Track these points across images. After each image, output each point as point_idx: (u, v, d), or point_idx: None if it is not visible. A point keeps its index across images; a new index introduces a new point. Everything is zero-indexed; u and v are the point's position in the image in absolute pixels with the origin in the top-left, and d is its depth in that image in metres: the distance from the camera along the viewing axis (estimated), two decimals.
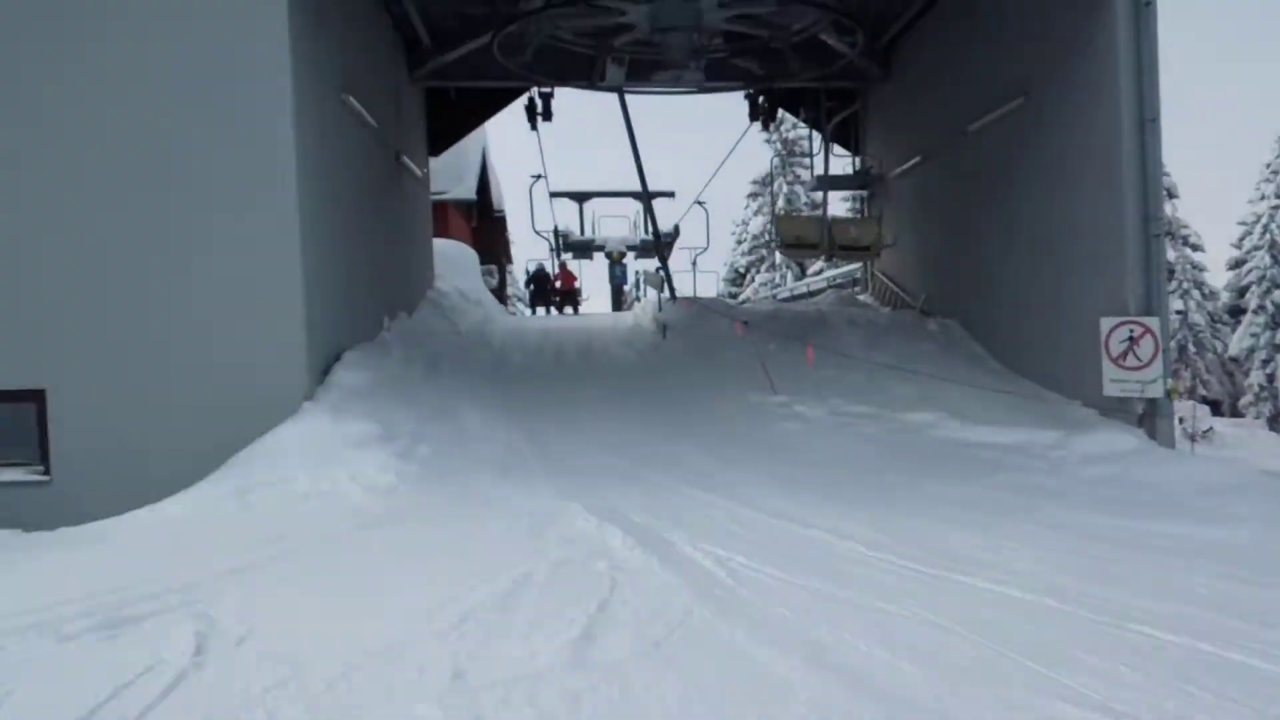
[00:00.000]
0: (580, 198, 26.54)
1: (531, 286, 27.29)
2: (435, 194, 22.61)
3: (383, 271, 14.54)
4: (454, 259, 22.92)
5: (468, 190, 28.36)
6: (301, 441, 8.57)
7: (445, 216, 27.00)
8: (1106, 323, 10.52)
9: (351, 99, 12.35)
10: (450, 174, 26.45)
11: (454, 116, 20.83)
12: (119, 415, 9.40)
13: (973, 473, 9.41)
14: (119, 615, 4.84)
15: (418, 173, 18.34)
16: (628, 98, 19.42)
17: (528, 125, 20.36)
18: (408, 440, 9.16)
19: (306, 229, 9.87)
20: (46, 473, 9.30)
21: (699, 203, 24.91)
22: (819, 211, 22.56)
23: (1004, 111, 13.49)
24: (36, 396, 9.39)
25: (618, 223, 27.67)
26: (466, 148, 25.93)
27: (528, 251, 56.87)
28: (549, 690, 4.08)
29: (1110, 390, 10.39)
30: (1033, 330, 13.06)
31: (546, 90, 19.46)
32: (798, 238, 19.87)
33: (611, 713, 3.91)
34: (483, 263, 27.27)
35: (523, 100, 20.17)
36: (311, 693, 4.05)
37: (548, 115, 19.87)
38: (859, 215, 23.03)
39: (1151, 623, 5.04)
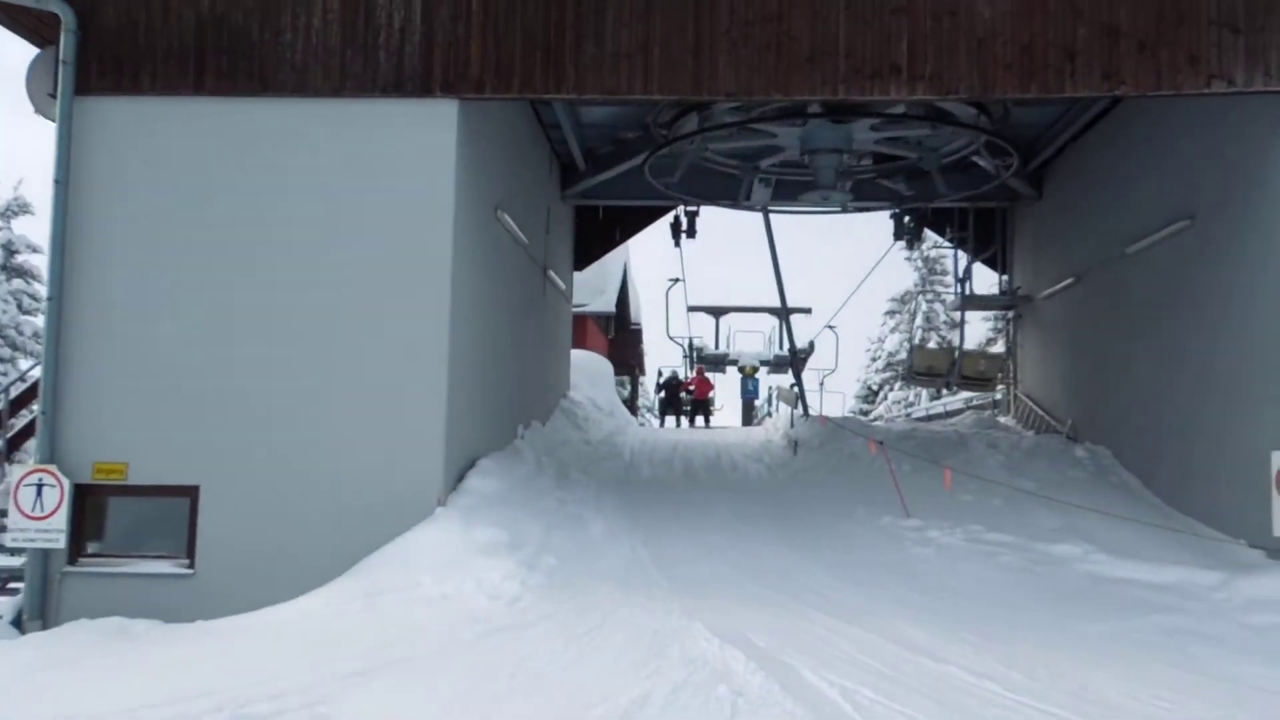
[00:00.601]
0: (717, 312, 26.85)
1: (663, 393, 26.66)
2: (576, 306, 23.27)
3: (521, 381, 14.91)
4: (589, 369, 23.35)
5: (607, 303, 29.08)
6: (431, 546, 8.72)
7: (584, 328, 27.69)
8: (1278, 457, 9.78)
9: (506, 216, 12.93)
10: (592, 287, 27.23)
11: (600, 233, 21.53)
12: (263, 513, 9.78)
13: (1123, 612, 8.77)
14: (245, 713, 4.94)
15: (561, 286, 18.93)
16: (772, 216, 19.71)
17: (671, 240, 20.86)
18: (534, 549, 9.21)
19: (455, 339, 10.24)
20: (191, 565, 9.72)
21: (830, 327, 24.81)
22: (954, 336, 22.74)
23: (1167, 234, 13.04)
24: (190, 491, 9.89)
25: (752, 338, 27.79)
26: (609, 261, 26.69)
27: (661, 363, 57.48)
28: None
29: None
30: (1192, 462, 12.27)
31: (693, 209, 19.94)
32: (929, 367, 20.64)
33: None
34: (617, 374, 27.70)
35: (668, 218, 20.71)
36: None
37: (692, 233, 20.30)
38: (989, 348, 23.37)
39: None
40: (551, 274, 17.28)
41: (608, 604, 7.97)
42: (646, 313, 34.51)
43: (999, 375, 19.87)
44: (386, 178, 10.21)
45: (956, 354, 20.67)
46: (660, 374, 27.41)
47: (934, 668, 6.73)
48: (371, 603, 7.75)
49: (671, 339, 25.69)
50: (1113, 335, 15.23)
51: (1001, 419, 20.62)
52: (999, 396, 22.45)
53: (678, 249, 21.40)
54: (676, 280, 23.72)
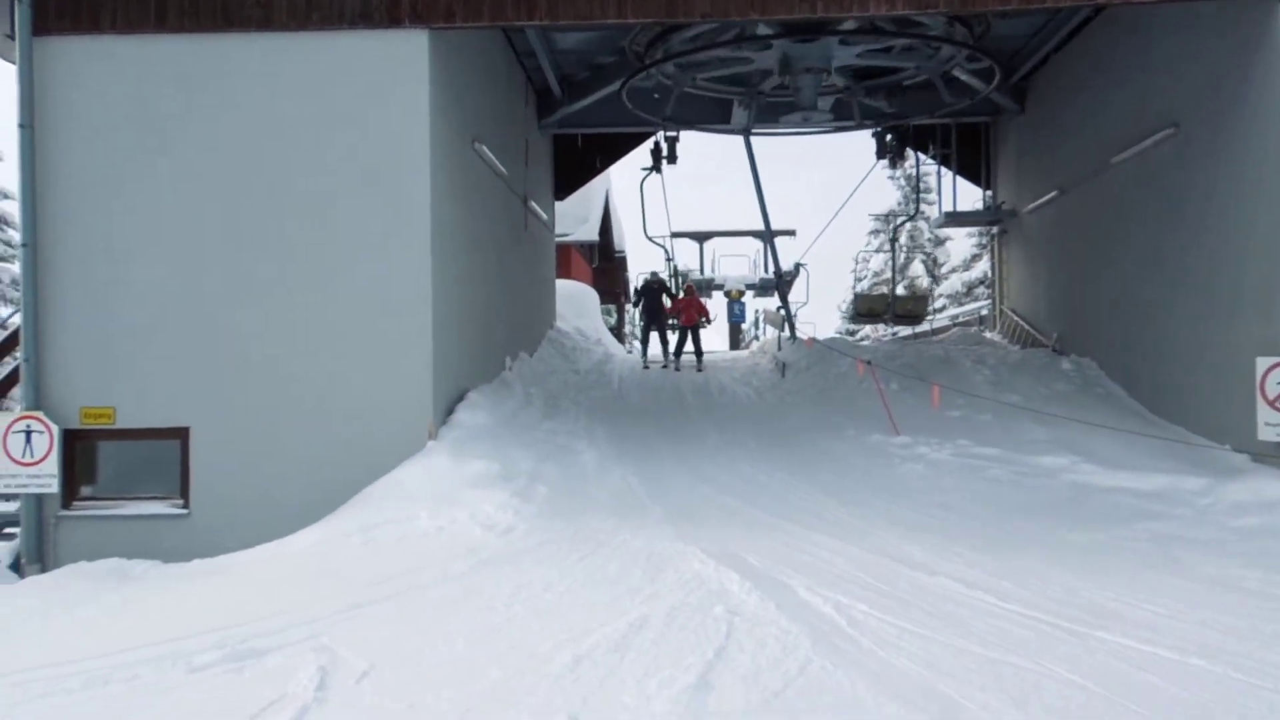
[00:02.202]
0: (701, 237, 26.64)
1: (640, 303, 19.73)
2: (559, 236, 23.06)
3: (507, 313, 14.85)
4: (575, 299, 23.26)
5: (590, 232, 28.87)
6: (424, 480, 8.75)
7: (568, 258, 27.51)
8: (1263, 363, 9.84)
9: (484, 148, 12.73)
10: (574, 216, 26.98)
11: (580, 161, 21.25)
12: (255, 452, 9.80)
13: (1110, 520, 8.91)
14: (246, 648, 4.98)
15: (543, 216, 18.74)
16: (754, 139, 19.47)
17: (652, 167, 20.60)
18: (526, 480, 9.25)
19: (438, 273, 10.17)
20: (186, 506, 9.75)
21: (799, 265, 24.62)
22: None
23: (1151, 143, 12.93)
24: (181, 434, 9.88)
25: (737, 261, 27.67)
26: (590, 191, 26.40)
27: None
28: None
29: (1265, 435, 9.70)
30: (1177, 370, 12.37)
31: (672, 134, 19.66)
32: (870, 309, 23.16)
33: None
34: (603, 302, 27.61)
35: (648, 144, 20.43)
36: None
37: (673, 158, 20.05)
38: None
39: None
40: (532, 204, 17.09)
41: (601, 531, 8.03)
42: (630, 240, 34.25)
43: (924, 312, 24.04)
44: (359, 112, 10.03)
45: (890, 298, 23.58)
46: (638, 285, 20.68)
47: (927, 581, 6.82)
48: (367, 536, 7.80)
49: (650, 239, 25.04)
50: (1097, 247, 15.21)
51: (988, 335, 20.70)
52: (984, 313, 22.53)
53: (659, 175, 21.17)
54: (652, 169, 22.03)
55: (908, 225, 46.84)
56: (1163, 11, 12.59)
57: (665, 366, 18.63)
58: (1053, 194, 16.95)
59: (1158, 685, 4.74)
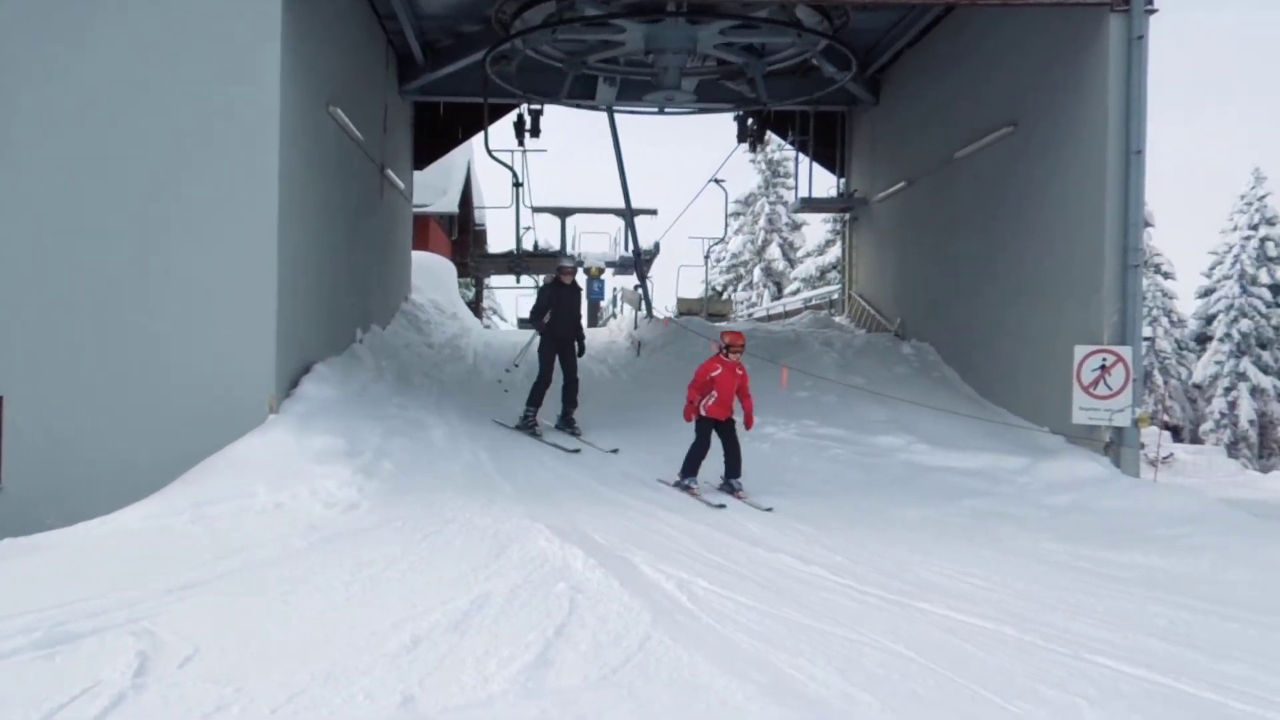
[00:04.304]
0: (562, 213, 26.51)
1: (549, 311, 12.00)
2: (417, 207, 22.52)
3: (359, 283, 14.43)
4: (432, 272, 22.81)
5: (450, 204, 28.31)
6: (263, 455, 8.44)
7: (426, 229, 26.92)
8: (1080, 351, 10.54)
9: (339, 111, 12.30)
10: (434, 187, 26.39)
11: (441, 131, 20.80)
12: (79, 424, 9.23)
13: (939, 497, 9.39)
14: (59, 632, 4.71)
15: (401, 186, 18.27)
16: (617, 117, 19.45)
17: (515, 141, 20.35)
18: (372, 455, 9.04)
19: (285, 238, 9.77)
20: None
21: (659, 244, 24.96)
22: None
23: (992, 139, 13.58)
24: None
25: (598, 239, 27.73)
26: (451, 162, 25.87)
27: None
28: (501, 718, 4.00)
29: (1079, 418, 10.41)
30: (1006, 356, 13.11)
31: (536, 107, 19.44)
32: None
33: None
34: (461, 276, 27.20)
35: (511, 116, 20.15)
36: (255, 717, 3.95)
37: (536, 132, 19.84)
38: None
39: (1110, 654, 5.03)
40: (390, 173, 16.64)
41: (448, 509, 7.95)
42: (493, 216, 33.79)
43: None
44: (206, 68, 9.51)
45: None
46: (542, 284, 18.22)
47: (767, 557, 7.05)
48: (199, 514, 7.47)
49: (535, 210, 24.00)
50: (938, 237, 15.92)
51: (837, 319, 21.40)
52: (835, 297, 23.28)
53: (521, 149, 20.94)
54: (518, 185, 21.85)
55: (766, 209, 47.95)
56: (1007, 15, 13.23)
57: (530, 429, 11.29)
58: (901, 184, 17.62)
59: (971, 652, 5.03)
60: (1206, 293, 36.90)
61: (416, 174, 21.18)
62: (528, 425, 11.41)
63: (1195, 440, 32.00)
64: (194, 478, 8.22)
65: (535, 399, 11.53)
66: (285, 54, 9.70)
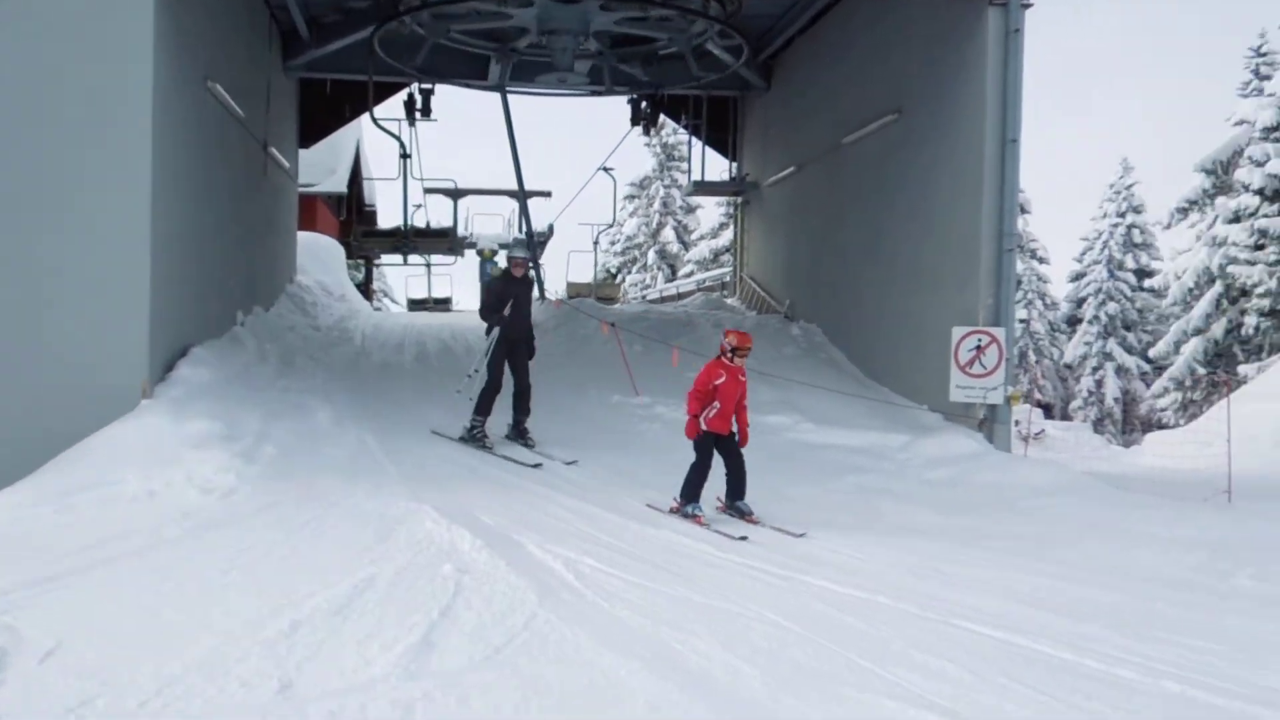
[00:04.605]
0: (455, 194, 26.09)
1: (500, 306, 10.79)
2: (303, 186, 21.87)
3: (241, 264, 13.97)
4: (318, 252, 22.23)
5: (338, 184, 27.57)
6: (135, 440, 8.10)
7: (313, 209, 26.17)
8: (957, 332, 10.93)
9: (218, 86, 11.84)
10: (321, 167, 25.66)
11: (328, 109, 20.22)
12: None
13: (824, 474, 9.64)
14: None
15: (285, 164, 17.72)
16: (510, 97, 19.24)
17: (405, 121, 19.94)
18: (252, 440, 8.78)
19: (159, 217, 9.36)
20: None
21: (553, 226, 24.85)
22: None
23: (877, 126, 13.91)
24: None
25: (491, 220, 27.41)
26: (340, 141, 25.19)
27: None
28: (381, 701, 3.95)
29: (956, 396, 10.80)
30: (889, 338, 13.50)
31: (427, 87, 19.07)
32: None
33: None
34: (350, 257, 26.56)
35: (402, 95, 19.72)
36: (123, 711, 3.82)
37: (427, 112, 19.47)
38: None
39: (976, 619, 5.26)
40: (273, 151, 16.13)
41: (332, 493, 7.78)
42: (383, 195, 33.02)
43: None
44: (75, 41, 9.01)
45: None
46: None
47: (654, 535, 7.13)
48: (66, 503, 7.13)
49: (375, 125, 22.51)
50: (827, 221, 16.27)
51: (729, 300, 21.69)
52: (727, 279, 23.59)
53: (413, 129, 20.54)
54: (406, 156, 21.04)
55: (661, 192, 48.17)
56: (893, 4, 13.55)
57: (478, 442, 10.08)
58: (791, 169, 17.94)
59: (850, 622, 5.20)
60: (1077, 277, 38.62)
61: (303, 153, 20.59)
62: (475, 437, 10.03)
63: (1065, 417, 33.53)
64: (59, 466, 7.84)
65: (483, 407, 10.11)
66: (159, 26, 9.29)
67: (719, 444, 7.82)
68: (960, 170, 11.81)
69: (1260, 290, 22.24)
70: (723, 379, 7.75)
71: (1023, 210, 36.90)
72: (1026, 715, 4.00)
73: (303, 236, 21.07)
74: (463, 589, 5.42)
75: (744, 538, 6.91)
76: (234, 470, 7.95)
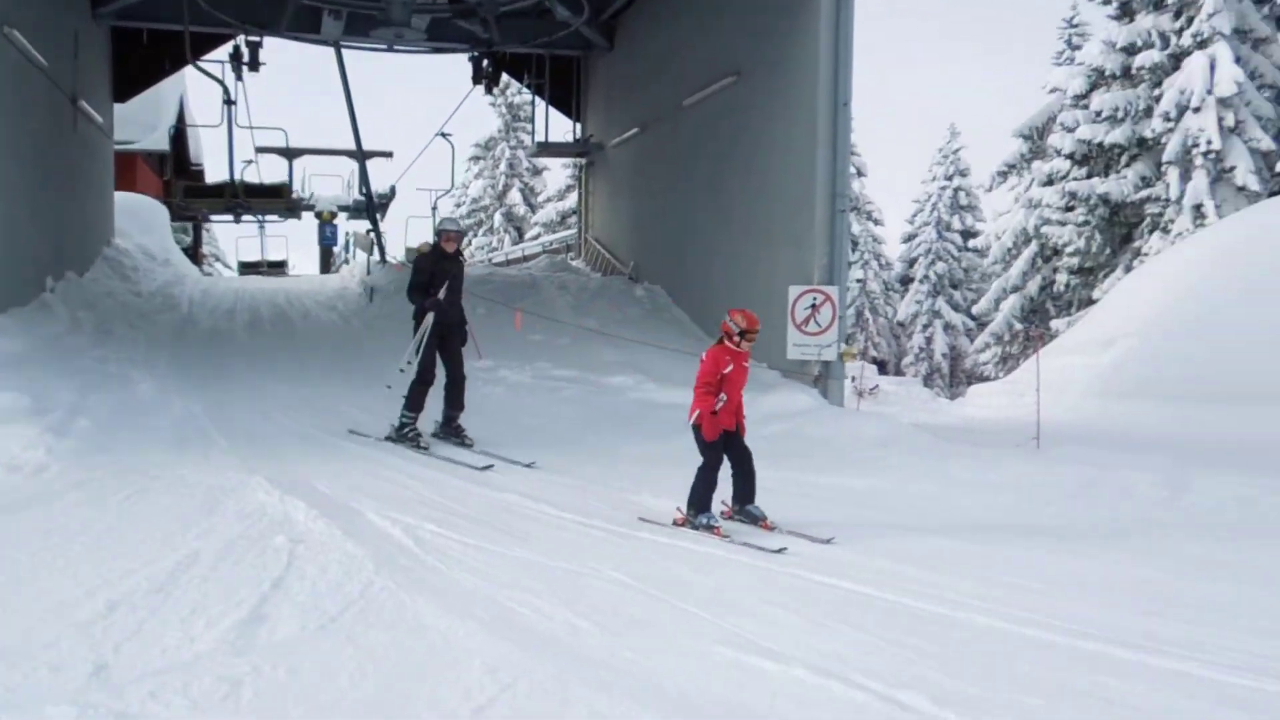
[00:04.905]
0: (290, 154, 24.98)
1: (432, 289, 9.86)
2: (120, 143, 20.50)
3: (48, 227, 13.01)
4: (140, 214, 20.96)
5: (160, 141, 25.97)
6: None
7: (133, 168, 24.59)
8: (794, 291, 11.24)
9: (16, 33, 10.89)
10: (141, 123, 24.10)
11: (145, 61, 18.92)
12: None
13: (667, 433, 9.77)
14: None
15: (98, 119, 16.53)
16: (345, 53, 18.49)
17: (233, 75, 18.92)
18: (65, 413, 8.24)
19: None
20: None
21: (394, 188, 24.03)
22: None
23: (717, 88, 14.06)
24: None
25: (330, 182, 26.46)
26: (161, 96, 23.71)
27: None
28: (206, 678, 3.80)
29: (793, 354, 11.15)
30: (730, 297, 13.70)
31: (255, 39, 18.11)
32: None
33: (275, 696, 3.70)
34: (176, 218, 25.13)
35: (227, 48, 18.67)
36: None
37: (255, 65, 18.50)
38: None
39: (805, 566, 5.49)
40: (84, 104, 15.03)
41: (155, 466, 7.40)
42: (210, 154, 31.25)
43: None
44: None
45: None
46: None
47: (496, 497, 7.11)
48: None
49: (196, 69, 20.82)
50: (669, 182, 16.42)
51: (574, 262, 21.67)
52: (572, 242, 23.55)
53: (240, 84, 19.54)
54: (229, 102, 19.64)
55: (507, 153, 47.50)
56: None
57: (411, 441, 8.87)
58: (634, 130, 17.98)
59: (688, 576, 5.33)
60: (909, 238, 40.42)
61: (121, 108, 19.28)
62: (407, 437, 8.77)
63: (898, 373, 35.21)
64: None
65: (415, 403, 8.89)
66: None
67: (727, 442, 6.77)
68: (795, 132, 12.10)
69: (1070, 250, 23.76)
70: (730, 367, 6.72)
71: (859, 173, 38.26)
72: (854, 654, 4.19)
73: (121, 197, 19.81)
74: (296, 560, 5.27)
75: (782, 549, 5.87)
76: (44, 445, 7.44)
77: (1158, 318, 13.46)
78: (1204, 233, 17.26)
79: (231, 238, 50.76)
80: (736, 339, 6.74)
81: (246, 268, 25.96)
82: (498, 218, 47.15)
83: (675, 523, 6.45)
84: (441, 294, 8.89)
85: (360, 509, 6.40)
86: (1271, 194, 19.06)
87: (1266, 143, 20.06)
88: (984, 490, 7.70)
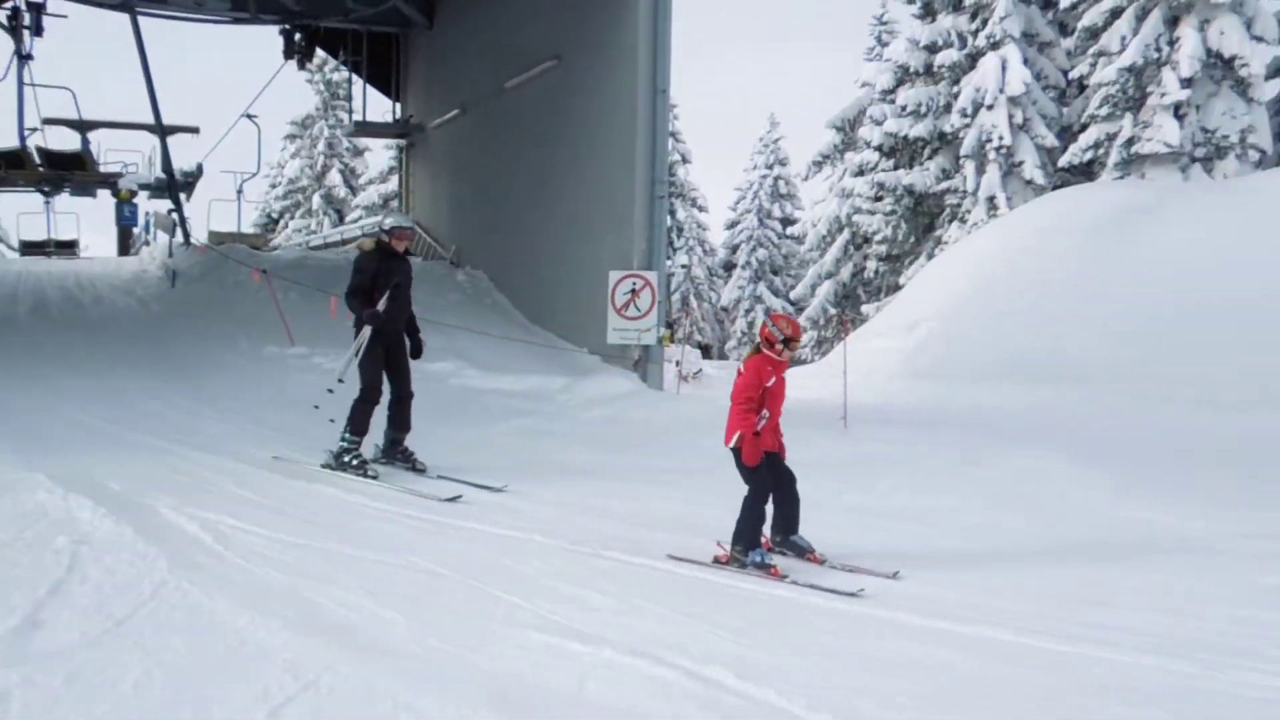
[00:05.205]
0: (82, 126, 23.15)
1: (383, 293, 8.26)
2: None
3: None
4: None
5: None
6: None
7: None
8: (614, 276, 11.34)
9: None
10: None
11: None
12: None
13: (488, 419, 9.71)
14: None
15: None
16: (141, 20, 17.28)
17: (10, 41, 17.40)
18: None
19: None
20: None
21: (201, 165, 22.54)
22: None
23: (538, 72, 13.94)
24: None
25: (130, 158, 24.71)
26: None
27: None
28: None
29: (613, 338, 11.25)
30: (551, 282, 13.77)
31: (37, 1, 16.69)
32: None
33: (47, 706, 3.46)
34: None
35: (6, 8, 17.14)
36: None
37: (38, 30, 17.05)
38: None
39: (622, 548, 5.55)
40: None
41: None
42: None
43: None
44: None
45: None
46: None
47: (307, 489, 6.88)
48: None
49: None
50: (491, 166, 16.22)
51: None
52: None
53: (18, 51, 18.00)
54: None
55: (325, 132, 45.70)
56: None
57: (357, 469, 7.48)
58: (455, 112, 17.65)
59: (502, 562, 5.30)
60: (732, 225, 41.47)
61: None
62: (351, 464, 7.44)
63: (723, 357, 36.10)
64: None
65: (359, 425, 7.58)
66: None
67: (769, 464, 5.80)
68: (615, 118, 12.17)
69: (879, 238, 24.95)
70: (773, 380, 5.81)
71: (683, 160, 38.91)
72: (664, 633, 4.28)
73: None
74: (80, 561, 4.92)
75: (860, 591, 5.02)
76: None
77: (956, 302, 14.32)
78: (996, 223, 18.50)
79: (11, 213, 46.68)
80: (779, 347, 5.74)
81: (30, 248, 23.94)
82: (316, 199, 45.34)
83: (717, 560, 5.48)
84: (382, 305, 7.57)
85: (154, 505, 6.05)
86: (1055, 187, 20.59)
87: (1050, 140, 21.61)
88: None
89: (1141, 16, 19.23)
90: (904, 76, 24.30)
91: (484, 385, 10.68)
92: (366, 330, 7.57)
